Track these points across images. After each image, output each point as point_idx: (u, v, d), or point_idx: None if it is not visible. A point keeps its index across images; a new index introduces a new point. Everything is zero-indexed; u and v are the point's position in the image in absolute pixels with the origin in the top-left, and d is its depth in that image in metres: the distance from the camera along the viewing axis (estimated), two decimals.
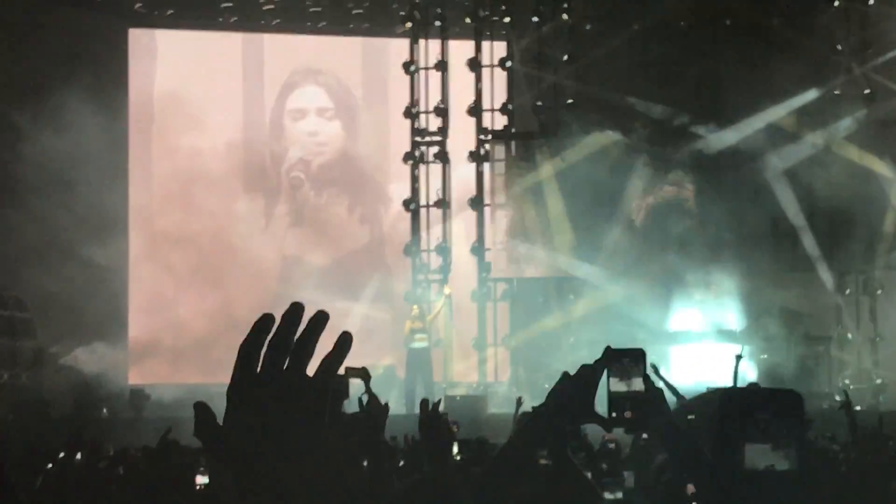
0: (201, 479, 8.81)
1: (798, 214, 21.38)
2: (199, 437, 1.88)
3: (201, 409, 1.88)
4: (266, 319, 1.87)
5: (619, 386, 3.50)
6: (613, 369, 3.50)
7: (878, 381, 20.66)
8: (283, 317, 1.87)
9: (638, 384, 3.50)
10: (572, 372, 3.52)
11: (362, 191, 23.78)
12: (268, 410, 1.85)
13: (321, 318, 1.88)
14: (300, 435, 1.86)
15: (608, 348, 3.53)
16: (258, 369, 1.86)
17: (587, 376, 3.49)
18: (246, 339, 1.87)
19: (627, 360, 3.57)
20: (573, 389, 3.50)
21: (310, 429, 1.87)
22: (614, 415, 3.50)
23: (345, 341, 1.88)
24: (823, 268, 21.39)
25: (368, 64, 23.82)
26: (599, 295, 21.34)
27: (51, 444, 10.35)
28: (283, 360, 1.86)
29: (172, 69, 22.53)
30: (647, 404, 3.50)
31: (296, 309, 1.88)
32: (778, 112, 21.51)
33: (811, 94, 21.46)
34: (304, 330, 1.88)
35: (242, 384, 1.86)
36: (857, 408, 15.09)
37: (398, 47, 22.79)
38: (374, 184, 23.87)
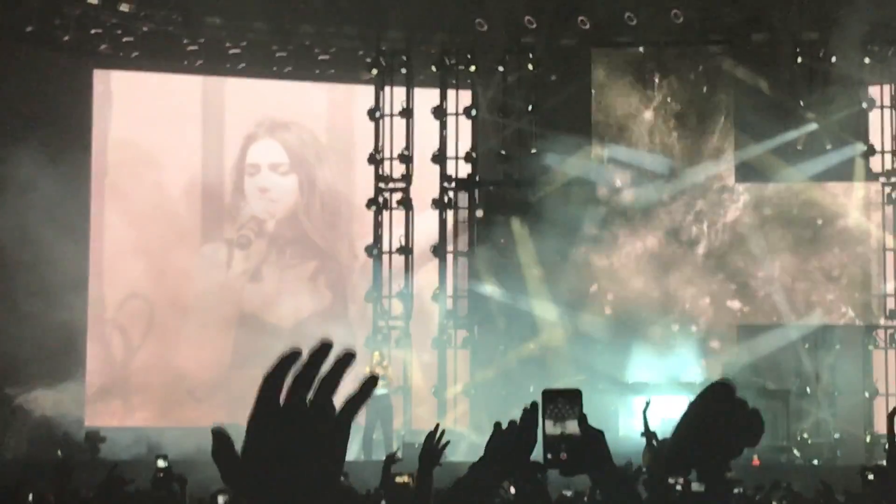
0: None
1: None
2: (216, 463, 1.89)
3: (219, 435, 1.90)
4: (292, 354, 1.89)
5: (553, 429, 3.47)
6: (548, 411, 3.46)
7: (837, 435, 20.74)
8: (311, 352, 1.89)
9: (573, 427, 3.46)
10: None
11: (321, 242, 23.62)
12: (288, 442, 1.87)
13: (348, 357, 1.91)
14: (319, 469, 1.88)
15: (544, 390, 3.51)
16: (281, 401, 1.88)
17: (519, 425, 3.47)
18: (271, 371, 1.88)
19: (563, 402, 3.53)
20: (505, 440, 3.48)
21: (328, 464, 1.89)
22: (549, 457, 3.46)
23: (370, 383, 1.92)
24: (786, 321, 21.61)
25: (334, 110, 23.82)
26: (561, 342, 21.47)
27: (3, 484, 10.23)
28: (307, 393, 1.88)
29: (133, 113, 22.46)
30: (584, 447, 3.47)
31: (324, 346, 1.90)
32: (742, 156, 21.85)
33: (774, 143, 21.74)
34: (331, 367, 1.90)
35: (264, 414, 1.88)
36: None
37: (364, 93, 22.85)
38: (334, 234, 23.73)
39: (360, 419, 19.26)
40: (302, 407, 1.88)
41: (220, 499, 8.91)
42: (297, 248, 23.47)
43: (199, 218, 22.99)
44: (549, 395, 3.57)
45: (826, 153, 21.71)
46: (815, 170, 21.73)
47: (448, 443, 5.53)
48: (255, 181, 23.37)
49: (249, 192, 23.36)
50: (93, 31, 21.48)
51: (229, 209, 23.25)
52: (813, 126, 21.71)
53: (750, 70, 21.82)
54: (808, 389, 21.18)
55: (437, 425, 5.69)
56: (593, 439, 3.48)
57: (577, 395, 3.53)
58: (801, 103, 21.81)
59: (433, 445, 5.50)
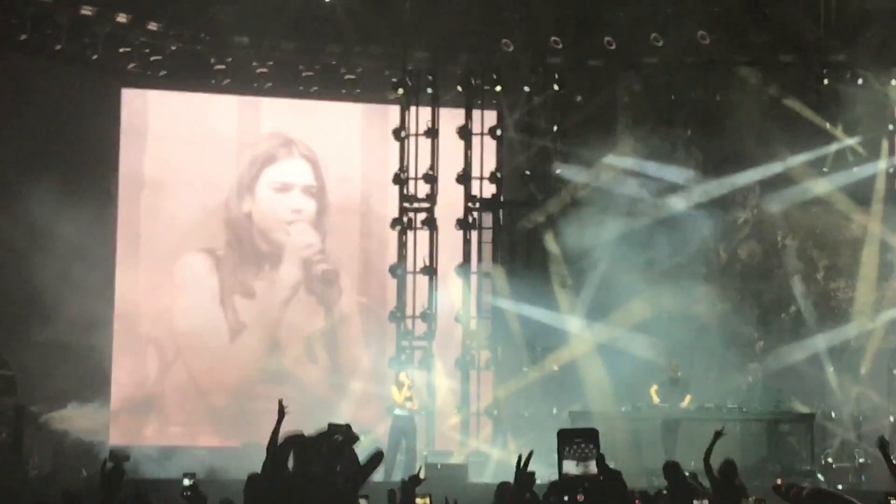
0: None
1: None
2: None
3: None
4: (296, 436, 1.91)
5: (575, 469, 3.42)
6: (566, 452, 3.41)
7: (861, 459, 20.61)
8: (318, 434, 1.92)
9: (593, 467, 3.41)
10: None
11: (351, 259, 23.59)
12: None
13: (351, 437, 1.94)
14: None
15: (560, 430, 3.48)
16: (290, 466, 1.90)
17: (517, 484, 3.47)
18: (284, 439, 1.90)
19: (581, 441, 3.49)
20: (511, 494, 3.49)
21: None
22: (567, 499, 3.43)
23: (377, 458, 1.94)
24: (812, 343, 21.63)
25: (365, 129, 23.72)
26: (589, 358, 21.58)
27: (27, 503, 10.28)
28: (316, 466, 1.91)
29: (161, 132, 22.53)
30: (603, 488, 3.44)
31: (331, 432, 1.93)
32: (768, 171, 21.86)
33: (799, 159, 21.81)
34: (339, 442, 1.93)
35: (272, 478, 1.90)
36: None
37: (393, 113, 22.90)
38: (364, 251, 23.68)
39: (384, 440, 19.32)
40: (307, 474, 1.90)
41: None
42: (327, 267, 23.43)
43: (224, 237, 22.97)
44: (566, 435, 3.55)
45: (851, 172, 21.79)
46: (838, 186, 21.81)
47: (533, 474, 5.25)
48: (285, 200, 23.30)
49: (280, 212, 23.28)
50: (121, 50, 21.59)
51: (259, 229, 23.17)
52: (839, 146, 21.74)
53: (778, 88, 21.84)
54: (832, 414, 21.09)
55: (532, 452, 5.37)
56: (613, 480, 3.48)
57: (595, 435, 3.51)
58: (828, 125, 21.81)
59: (521, 471, 5.20)
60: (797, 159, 21.77)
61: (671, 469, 11.99)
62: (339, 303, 23.39)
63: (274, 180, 23.23)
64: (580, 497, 3.36)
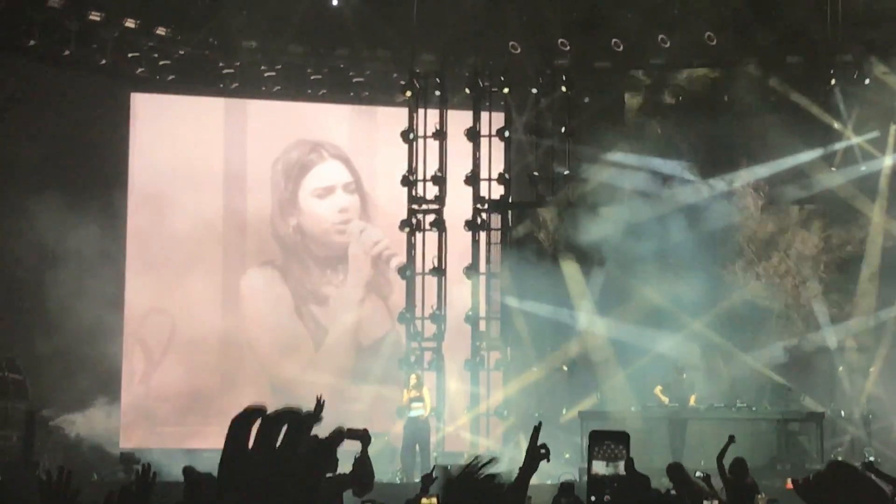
0: None
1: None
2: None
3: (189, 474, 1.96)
4: (258, 408, 1.93)
5: (605, 469, 3.52)
6: (597, 452, 3.52)
7: (871, 458, 20.60)
8: (280, 410, 1.94)
9: (622, 468, 3.51)
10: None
11: (365, 262, 23.60)
12: (259, 488, 1.90)
13: (315, 415, 1.95)
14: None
15: (592, 431, 3.56)
16: (250, 446, 1.91)
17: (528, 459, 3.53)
18: (239, 415, 1.92)
19: (611, 443, 3.60)
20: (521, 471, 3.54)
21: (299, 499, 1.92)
22: (593, 499, 3.53)
23: (337, 434, 1.95)
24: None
25: (357, 131, 23.75)
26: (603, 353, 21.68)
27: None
28: (277, 436, 1.91)
29: (170, 134, 22.59)
30: (630, 490, 3.52)
31: (292, 410, 1.94)
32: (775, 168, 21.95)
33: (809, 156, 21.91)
34: (301, 415, 1.94)
35: (234, 460, 1.91)
36: None
37: (385, 115, 22.97)
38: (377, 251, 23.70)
39: (397, 442, 19.36)
40: (270, 451, 1.91)
41: None
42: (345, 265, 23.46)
43: (279, 252, 23.05)
44: (597, 436, 3.65)
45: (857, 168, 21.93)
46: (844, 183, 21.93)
47: (548, 452, 5.27)
48: (331, 203, 23.35)
49: (328, 216, 23.33)
50: (130, 55, 21.67)
51: (313, 238, 23.22)
52: (846, 144, 21.83)
53: (785, 87, 21.91)
54: (842, 413, 21.11)
55: (540, 424, 5.42)
56: (640, 484, 3.56)
57: (625, 438, 3.61)
58: (836, 125, 21.88)
59: (534, 444, 5.21)
60: (805, 156, 21.84)
61: (675, 470, 12.04)
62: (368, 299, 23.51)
63: (315, 187, 23.26)
64: (607, 499, 3.43)
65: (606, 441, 3.28)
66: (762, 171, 22.17)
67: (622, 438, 3.27)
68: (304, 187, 23.19)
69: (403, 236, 22.53)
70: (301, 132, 23.35)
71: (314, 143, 23.35)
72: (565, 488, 10.80)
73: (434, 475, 9.74)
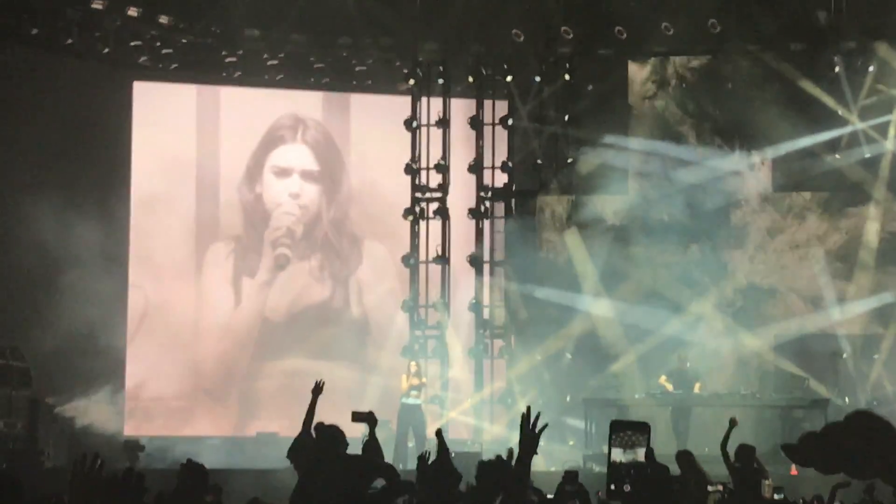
0: None
1: None
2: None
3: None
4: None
5: (622, 456, 3.48)
6: (616, 440, 3.49)
7: None
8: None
9: (641, 455, 3.48)
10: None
11: (350, 250, 23.56)
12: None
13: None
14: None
15: (613, 421, 3.54)
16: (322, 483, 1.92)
17: (522, 446, 3.50)
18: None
19: (631, 432, 3.56)
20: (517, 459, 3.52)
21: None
22: (612, 487, 3.49)
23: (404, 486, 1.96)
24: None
25: (360, 119, 23.69)
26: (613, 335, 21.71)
27: (43, 494, 10.33)
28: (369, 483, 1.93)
29: (169, 123, 22.57)
30: (650, 478, 3.49)
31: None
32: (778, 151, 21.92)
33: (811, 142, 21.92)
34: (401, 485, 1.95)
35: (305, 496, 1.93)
36: None
37: (391, 103, 22.95)
38: (365, 242, 23.64)
39: (392, 426, 19.37)
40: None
41: None
42: (325, 253, 23.37)
43: (231, 222, 22.98)
44: (618, 426, 3.62)
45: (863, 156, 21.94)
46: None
47: (546, 425, 5.09)
48: (285, 185, 23.27)
49: (277, 196, 23.23)
50: (132, 44, 21.65)
51: (260, 214, 23.13)
52: (851, 129, 21.85)
53: (791, 69, 21.92)
54: (846, 399, 21.09)
55: (528, 408, 5.30)
56: (659, 474, 3.53)
57: (646, 428, 3.57)
58: (840, 112, 21.86)
59: (530, 431, 4.99)
60: (809, 141, 21.89)
61: (684, 457, 12.07)
62: (347, 287, 23.52)
63: (274, 164, 23.29)
64: (627, 488, 3.39)
65: (627, 430, 3.30)
66: (769, 152, 22.19)
67: (643, 429, 3.30)
68: (269, 161, 23.13)
69: (402, 223, 22.51)
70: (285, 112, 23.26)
71: (298, 119, 23.26)
72: (569, 476, 10.79)
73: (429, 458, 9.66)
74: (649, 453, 3.51)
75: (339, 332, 22.70)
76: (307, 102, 23.36)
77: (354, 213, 23.43)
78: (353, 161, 23.45)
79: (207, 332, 22.40)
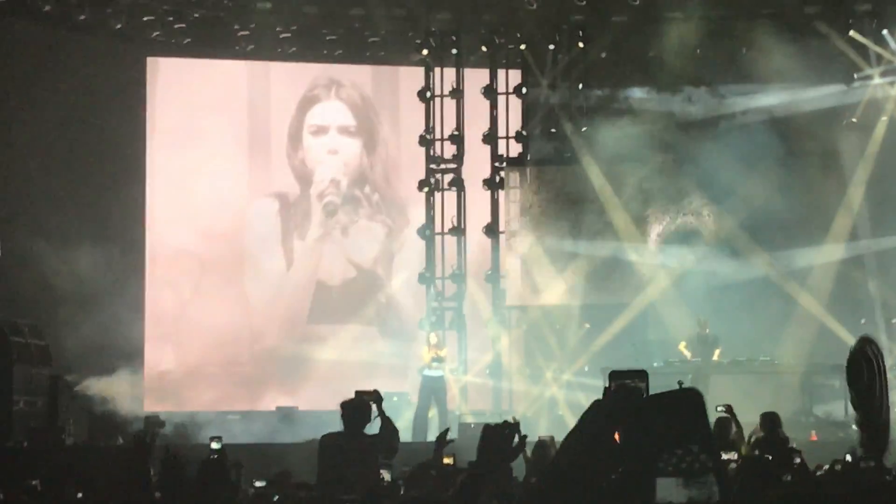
0: None
1: None
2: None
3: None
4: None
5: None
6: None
7: None
8: None
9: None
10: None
11: (384, 213, 23.55)
12: None
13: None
14: None
15: (611, 371, 3.57)
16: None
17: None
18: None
19: (629, 381, 3.62)
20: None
21: None
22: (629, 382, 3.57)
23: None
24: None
25: (378, 90, 23.67)
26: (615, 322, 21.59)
27: (65, 471, 10.38)
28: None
29: (184, 97, 22.57)
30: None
31: None
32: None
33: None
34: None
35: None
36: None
37: (406, 74, 22.88)
38: (395, 207, 23.63)
39: (413, 398, 19.37)
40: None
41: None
42: (367, 210, 23.36)
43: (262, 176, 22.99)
44: (616, 375, 3.69)
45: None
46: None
47: (525, 437, 4.92)
48: (322, 142, 23.27)
49: (317, 153, 23.23)
50: (145, 19, 21.60)
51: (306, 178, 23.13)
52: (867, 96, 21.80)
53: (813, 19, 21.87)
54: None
55: (506, 423, 4.92)
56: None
57: (643, 375, 3.63)
58: (854, 75, 21.78)
59: (501, 442, 4.56)
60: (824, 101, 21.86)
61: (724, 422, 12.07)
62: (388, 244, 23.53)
63: (311, 124, 23.27)
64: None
65: (626, 379, 3.31)
66: (786, 107, 22.06)
67: (640, 375, 3.31)
68: (307, 122, 23.15)
69: (417, 194, 22.49)
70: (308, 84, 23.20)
71: (332, 79, 23.25)
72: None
73: (450, 436, 9.63)
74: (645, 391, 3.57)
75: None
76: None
77: (394, 176, 23.42)
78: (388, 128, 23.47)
79: (235, 300, 22.41)
